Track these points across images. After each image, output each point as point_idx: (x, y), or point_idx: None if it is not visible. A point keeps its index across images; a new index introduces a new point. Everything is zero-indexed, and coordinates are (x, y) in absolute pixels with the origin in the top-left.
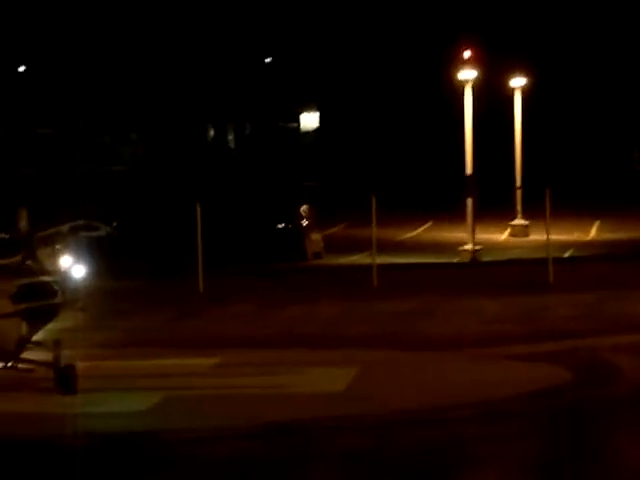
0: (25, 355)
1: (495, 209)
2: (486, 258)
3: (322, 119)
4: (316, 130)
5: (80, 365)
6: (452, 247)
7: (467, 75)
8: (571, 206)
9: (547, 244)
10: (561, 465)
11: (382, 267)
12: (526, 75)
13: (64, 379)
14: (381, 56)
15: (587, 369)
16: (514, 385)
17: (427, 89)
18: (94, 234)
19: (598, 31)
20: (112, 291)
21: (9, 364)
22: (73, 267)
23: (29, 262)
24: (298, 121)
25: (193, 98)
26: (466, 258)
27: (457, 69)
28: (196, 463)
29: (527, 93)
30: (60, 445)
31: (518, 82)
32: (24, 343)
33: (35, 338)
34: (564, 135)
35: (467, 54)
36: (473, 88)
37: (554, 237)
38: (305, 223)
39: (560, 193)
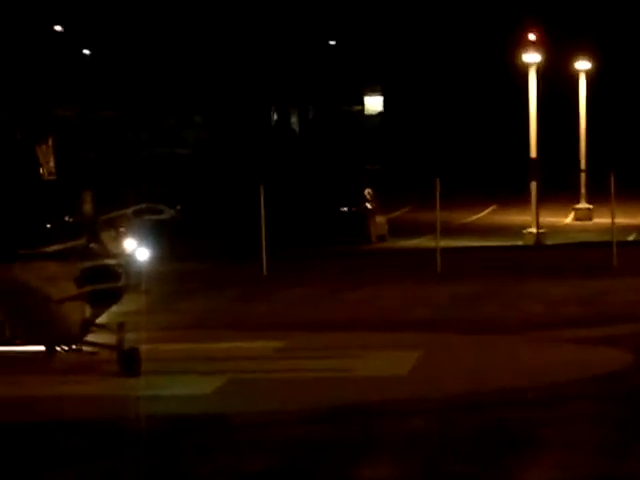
0: (89, 338)
1: (559, 192)
2: (550, 241)
3: (386, 102)
4: (380, 113)
5: (144, 348)
6: (516, 230)
7: (531, 58)
8: (635, 190)
9: (612, 227)
10: (624, 448)
11: (446, 250)
12: (591, 59)
13: (128, 362)
14: (446, 39)
15: None
16: (577, 368)
17: (492, 72)
18: (158, 217)
19: None
20: (176, 274)
21: (73, 347)
22: (137, 250)
23: (93, 245)
24: (362, 104)
25: (257, 81)
26: (530, 241)
27: (522, 52)
28: (259, 446)
29: (592, 76)
30: (123, 427)
31: (583, 65)
32: (88, 326)
33: (99, 321)
34: (629, 118)
35: (532, 37)
36: (538, 71)
37: (618, 221)
38: (369, 206)
39: (624, 176)
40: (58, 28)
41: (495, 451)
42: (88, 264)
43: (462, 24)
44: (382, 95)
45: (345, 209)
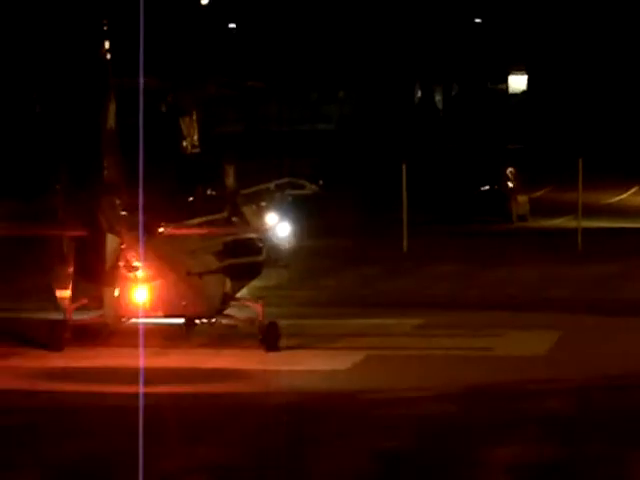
0: (229, 312)
1: None
2: None
3: (530, 81)
4: (524, 92)
5: (283, 323)
6: None
7: None
8: None
9: None
10: None
11: (587, 231)
12: None
13: (267, 336)
14: (591, 19)
15: None
16: None
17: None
18: (300, 192)
19: None
20: (316, 249)
21: (213, 320)
22: (278, 225)
23: (235, 219)
24: (506, 82)
25: (402, 57)
26: None
27: None
28: (395, 423)
29: None
30: (261, 401)
31: None
32: (228, 300)
33: (239, 295)
34: None
35: None
36: None
37: None
38: (511, 185)
39: None
40: (204, 1)
41: (635, 433)
42: (229, 238)
43: (607, 3)
44: (526, 74)
45: (487, 188)
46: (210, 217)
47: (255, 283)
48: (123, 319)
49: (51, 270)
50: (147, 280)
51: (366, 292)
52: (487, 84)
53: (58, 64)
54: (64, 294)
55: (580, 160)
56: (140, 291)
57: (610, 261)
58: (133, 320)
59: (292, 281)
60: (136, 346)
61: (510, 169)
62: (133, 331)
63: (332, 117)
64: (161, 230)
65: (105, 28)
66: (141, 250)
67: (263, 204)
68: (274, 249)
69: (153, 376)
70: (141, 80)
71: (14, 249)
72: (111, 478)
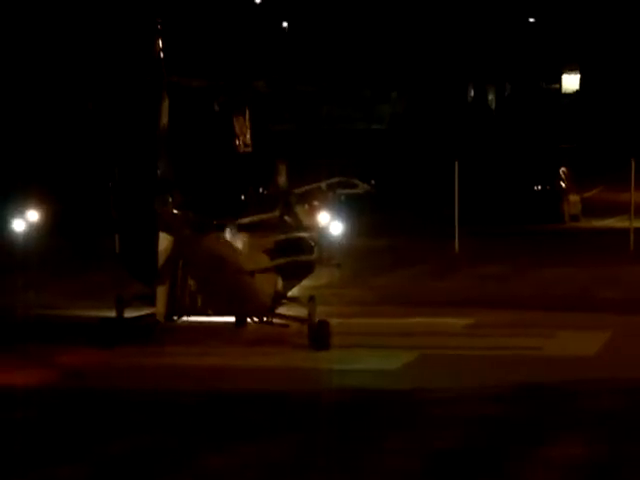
0: (280, 310)
1: None
2: None
3: (583, 81)
4: (577, 92)
5: (334, 322)
6: None
7: None
8: None
9: None
10: None
11: (639, 231)
12: None
13: (318, 335)
14: None
15: None
16: None
17: None
18: (352, 191)
19: None
20: (368, 249)
21: (265, 319)
22: (330, 224)
23: (286, 218)
24: (559, 82)
25: (455, 57)
26: None
27: None
28: (447, 423)
29: None
30: (312, 400)
31: None
32: (279, 298)
33: (290, 294)
34: None
35: None
36: None
37: None
38: (563, 185)
39: None
40: (257, 0)
41: None
42: (281, 237)
43: None
44: (580, 74)
45: (539, 188)
46: (262, 216)
47: (306, 282)
48: (174, 317)
49: (103, 268)
50: (198, 278)
51: (417, 291)
52: (540, 84)
53: (112, 63)
54: (117, 292)
55: (633, 160)
56: (191, 289)
57: None
58: (184, 318)
59: (343, 280)
60: (187, 344)
61: (562, 169)
62: (184, 329)
63: (384, 117)
64: (213, 229)
65: (159, 27)
66: (193, 248)
67: (315, 203)
68: (326, 248)
69: (203, 374)
70: (194, 79)
71: (67, 246)
72: (159, 475)
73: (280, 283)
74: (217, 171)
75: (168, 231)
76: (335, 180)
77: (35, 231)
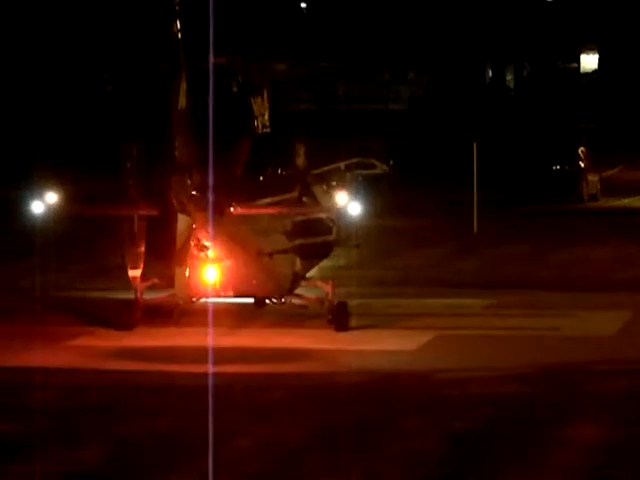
0: (299, 291)
1: None
2: None
3: (602, 60)
4: (595, 71)
5: (352, 302)
6: None
7: None
8: None
9: None
10: None
11: None
12: None
13: (337, 316)
14: None
15: None
16: None
17: None
18: (370, 172)
19: None
20: (387, 229)
21: (283, 300)
22: (349, 204)
23: (305, 198)
24: (578, 62)
25: (472, 37)
26: None
27: None
28: (464, 403)
29: None
30: (331, 381)
31: None
32: (298, 279)
33: (309, 274)
34: None
35: None
36: None
37: None
38: (582, 165)
39: None
40: None
41: None
42: (300, 217)
43: None
44: (598, 53)
45: (558, 167)
46: (280, 197)
47: (325, 263)
48: (194, 299)
49: (122, 250)
50: (217, 260)
51: (436, 272)
52: (558, 63)
53: (129, 43)
54: (135, 273)
55: None
56: (210, 271)
57: None
58: (203, 299)
59: (362, 261)
60: (206, 325)
61: (581, 148)
62: (203, 310)
63: (402, 97)
64: (231, 210)
65: (176, 7)
66: (212, 230)
67: (333, 184)
68: (344, 229)
69: (223, 355)
70: (211, 59)
71: (85, 228)
72: (180, 456)
73: (299, 264)
74: (235, 152)
75: (186, 213)
76: (353, 161)
77: (54, 213)
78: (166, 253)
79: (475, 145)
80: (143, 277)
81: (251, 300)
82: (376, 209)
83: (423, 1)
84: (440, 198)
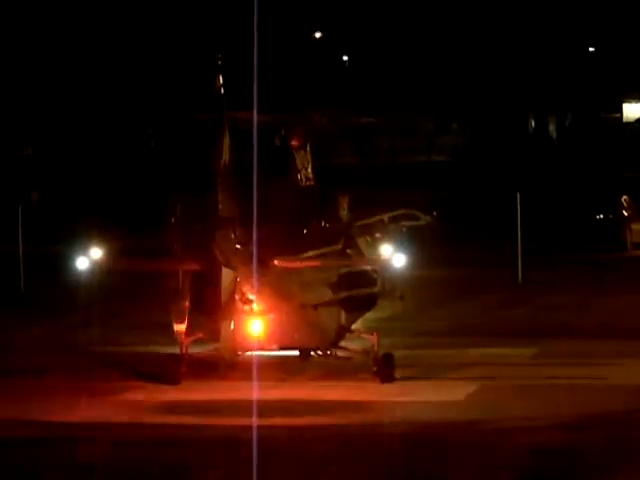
0: (344, 343)
1: None
2: None
3: None
4: (638, 120)
5: (398, 354)
6: None
7: None
8: None
9: None
10: None
11: None
12: None
13: (382, 367)
14: None
15: None
16: None
17: None
18: (414, 223)
19: None
20: (432, 280)
21: (329, 352)
22: (393, 256)
23: (349, 250)
24: (621, 111)
25: (515, 88)
26: None
27: None
28: (511, 453)
29: None
30: (377, 432)
31: None
32: (343, 331)
33: (354, 326)
34: None
35: None
36: None
37: None
38: (625, 213)
39: None
40: (317, 35)
41: None
42: (344, 269)
43: None
44: None
45: (601, 216)
46: (325, 249)
47: (370, 314)
48: (239, 352)
49: (167, 305)
50: (262, 313)
51: (481, 322)
52: (600, 113)
53: (173, 99)
54: (181, 328)
55: None
56: (255, 324)
57: None
58: (249, 353)
59: (407, 312)
60: (252, 379)
61: (624, 197)
62: (249, 364)
63: (446, 148)
64: (276, 263)
65: (219, 63)
66: (256, 283)
67: (377, 235)
68: (389, 280)
69: (268, 408)
70: (255, 114)
71: (130, 283)
72: None
73: (343, 316)
74: (279, 205)
75: (230, 266)
76: (398, 212)
77: (98, 269)
78: (211, 307)
79: (518, 195)
80: (188, 332)
81: (296, 353)
82: (420, 260)
83: (467, 52)
84: (484, 249)
